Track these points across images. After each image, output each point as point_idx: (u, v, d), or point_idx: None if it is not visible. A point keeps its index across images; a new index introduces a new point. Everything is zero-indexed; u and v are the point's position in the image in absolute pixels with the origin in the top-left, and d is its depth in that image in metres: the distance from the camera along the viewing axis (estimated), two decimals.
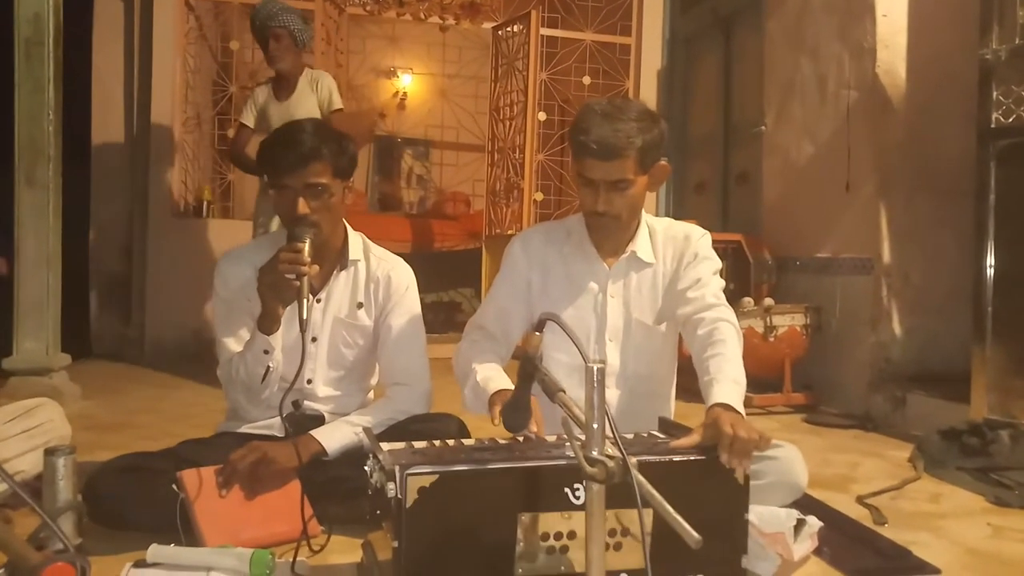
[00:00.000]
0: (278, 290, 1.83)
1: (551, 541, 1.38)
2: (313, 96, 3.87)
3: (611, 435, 1.14)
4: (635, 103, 1.90)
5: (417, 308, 2.14)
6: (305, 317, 1.76)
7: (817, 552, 1.80)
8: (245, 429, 2.06)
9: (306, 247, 1.83)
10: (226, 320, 2.03)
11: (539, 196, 5.65)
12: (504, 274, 2.06)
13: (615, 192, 1.85)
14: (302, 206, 1.89)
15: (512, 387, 1.63)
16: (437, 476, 1.33)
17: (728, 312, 1.86)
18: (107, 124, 5.29)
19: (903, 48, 3.79)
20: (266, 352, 1.91)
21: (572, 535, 1.39)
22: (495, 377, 1.83)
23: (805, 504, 1.95)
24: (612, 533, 1.40)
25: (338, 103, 3.92)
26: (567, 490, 1.38)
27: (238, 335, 1.99)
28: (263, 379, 1.94)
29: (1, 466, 1.37)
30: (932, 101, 3.78)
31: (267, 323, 1.89)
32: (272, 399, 1.99)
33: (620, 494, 1.14)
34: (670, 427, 1.67)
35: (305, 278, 1.80)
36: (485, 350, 1.97)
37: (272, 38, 3.75)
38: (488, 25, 6.26)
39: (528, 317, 2.04)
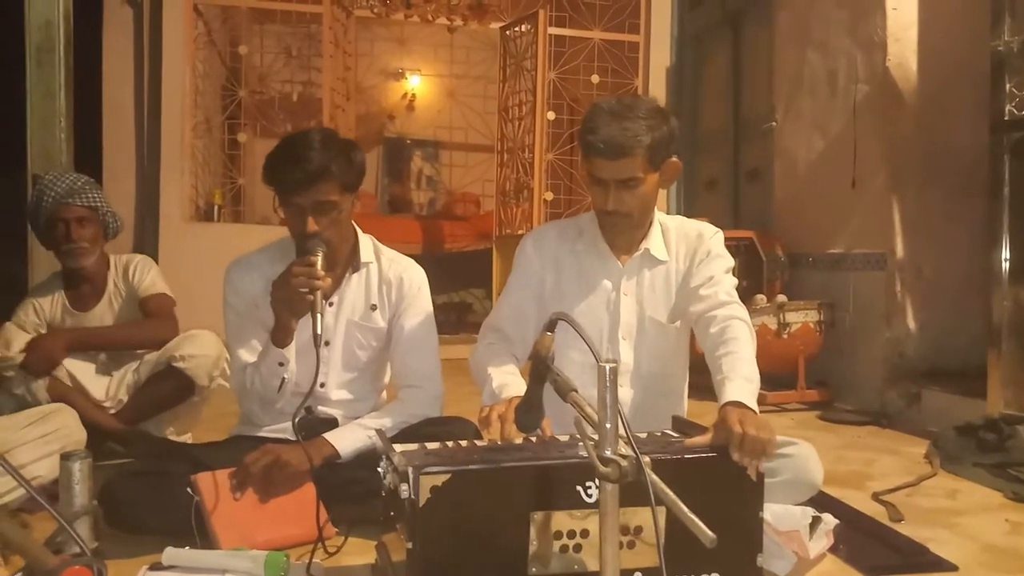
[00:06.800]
0: (291, 304, 1.83)
1: (564, 540, 1.38)
2: (125, 292, 2.75)
3: (624, 434, 1.13)
4: (644, 100, 1.89)
5: (429, 310, 2.13)
6: (319, 332, 1.75)
7: (833, 550, 1.79)
8: (260, 432, 2.06)
9: (319, 260, 1.82)
10: (237, 330, 2.02)
11: (549, 196, 5.64)
12: (517, 274, 2.05)
13: (625, 190, 1.84)
14: (311, 224, 1.87)
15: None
16: (450, 475, 1.33)
17: (741, 310, 1.85)
18: (117, 130, 5.32)
19: (914, 41, 3.76)
20: (281, 364, 1.91)
21: (585, 534, 1.38)
22: (511, 384, 1.80)
23: (820, 501, 1.95)
24: (625, 531, 1.40)
25: (161, 287, 2.77)
26: (579, 488, 1.38)
27: (250, 345, 1.99)
28: (279, 389, 1.94)
29: (18, 471, 1.38)
30: (944, 94, 3.75)
31: (280, 337, 1.89)
32: (287, 407, 1.98)
33: (634, 493, 1.14)
34: (684, 426, 1.66)
35: (318, 292, 1.79)
36: (500, 352, 1.95)
37: (75, 222, 2.57)
38: (496, 25, 6.26)
39: (543, 316, 2.03)
